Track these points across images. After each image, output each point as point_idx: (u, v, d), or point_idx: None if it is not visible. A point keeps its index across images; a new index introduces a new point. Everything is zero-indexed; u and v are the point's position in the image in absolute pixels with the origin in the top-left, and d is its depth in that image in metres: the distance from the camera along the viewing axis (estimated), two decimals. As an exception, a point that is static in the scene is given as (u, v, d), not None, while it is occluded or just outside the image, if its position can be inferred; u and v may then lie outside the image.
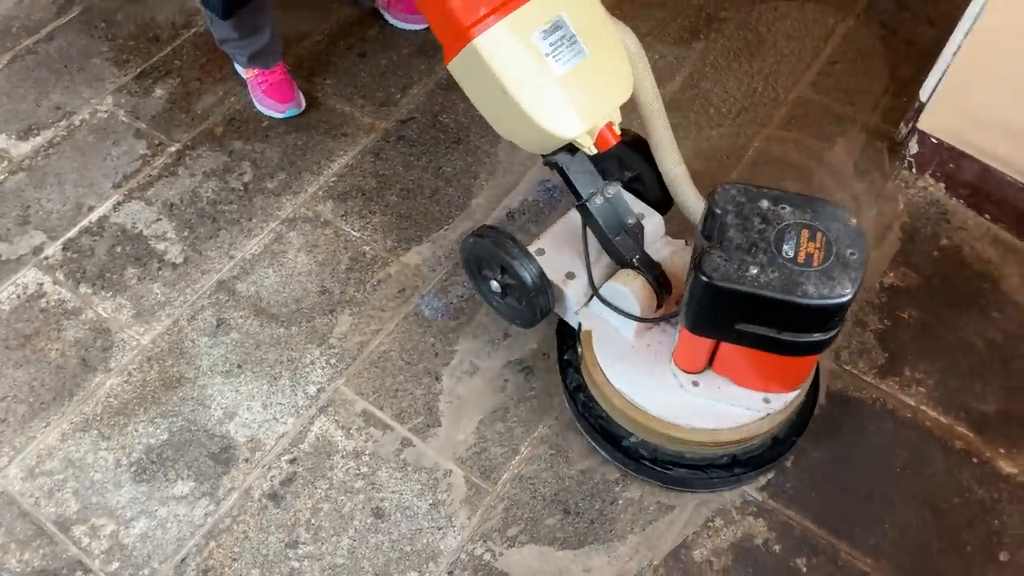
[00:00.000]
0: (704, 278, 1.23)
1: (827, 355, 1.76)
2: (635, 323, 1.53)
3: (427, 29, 2.26)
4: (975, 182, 1.92)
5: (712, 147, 2.09)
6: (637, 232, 1.56)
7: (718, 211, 1.29)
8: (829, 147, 2.09)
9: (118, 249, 1.94)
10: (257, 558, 1.54)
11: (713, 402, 1.48)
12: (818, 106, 2.17)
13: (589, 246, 1.58)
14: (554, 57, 1.35)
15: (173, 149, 2.12)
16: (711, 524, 1.57)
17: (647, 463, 1.54)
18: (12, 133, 2.15)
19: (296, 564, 1.54)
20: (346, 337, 1.81)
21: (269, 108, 2.15)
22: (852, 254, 1.24)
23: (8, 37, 2.34)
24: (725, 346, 1.41)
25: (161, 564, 1.54)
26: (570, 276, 1.61)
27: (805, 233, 1.26)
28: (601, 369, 1.53)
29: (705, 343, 1.42)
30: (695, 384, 1.48)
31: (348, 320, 1.83)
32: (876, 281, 1.87)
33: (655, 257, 1.58)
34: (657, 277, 1.54)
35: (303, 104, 2.16)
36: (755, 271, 1.23)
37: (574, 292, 1.60)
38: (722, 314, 1.29)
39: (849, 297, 1.22)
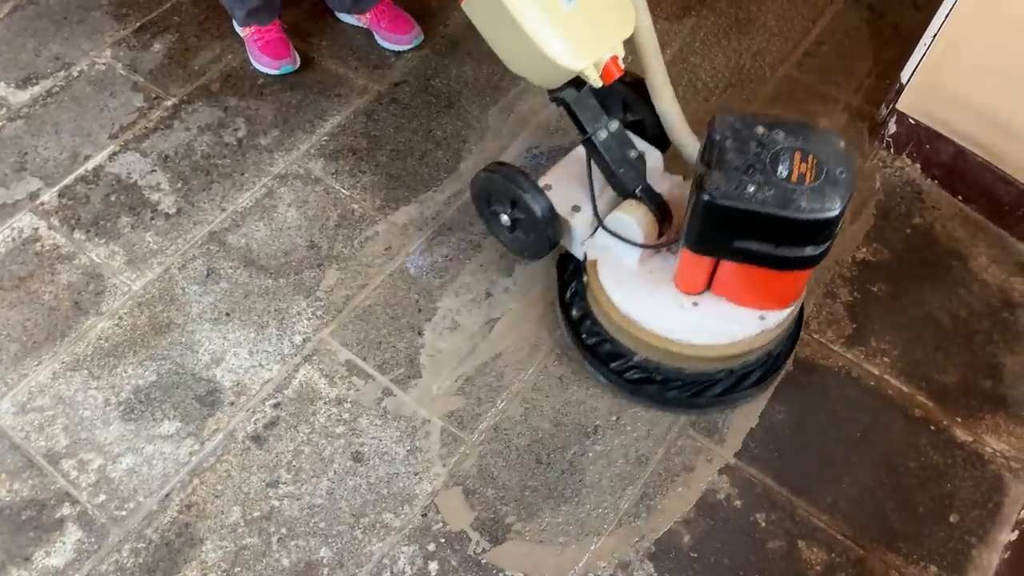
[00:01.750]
0: (706, 197, 1.35)
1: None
2: (638, 251, 1.62)
3: (412, 50, 2.27)
4: (949, 163, 1.98)
5: (699, 120, 2.12)
6: (639, 165, 1.64)
7: (716, 137, 1.39)
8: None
9: (113, 198, 1.99)
10: (239, 496, 1.60)
11: (712, 320, 1.58)
12: (803, 85, 2.22)
13: (593, 181, 1.66)
14: None
15: (169, 103, 2.16)
16: (676, 479, 1.63)
17: (646, 383, 1.66)
18: (11, 82, 2.18)
19: (276, 503, 1.60)
20: (333, 290, 1.86)
21: (264, 65, 2.19)
22: (841, 173, 1.35)
23: (9, -13, 2.37)
24: (722, 268, 1.52)
25: (146, 498, 1.60)
26: (576, 209, 1.70)
27: (797, 155, 1.37)
28: (607, 294, 1.62)
29: (704, 266, 1.53)
30: (695, 304, 1.59)
31: (335, 274, 1.88)
32: (848, 255, 1.92)
33: (656, 190, 1.66)
34: (659, 206, 1.64)
35: (298, 62, 2.20)
36: (752, 189, 1.34)
37: (580, 224, 1.69)
38: (723, 232, 1.41)
39: (838, 211, 1.33)
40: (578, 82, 1.54)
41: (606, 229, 1.64)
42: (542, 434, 1.68)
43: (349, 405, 1.71)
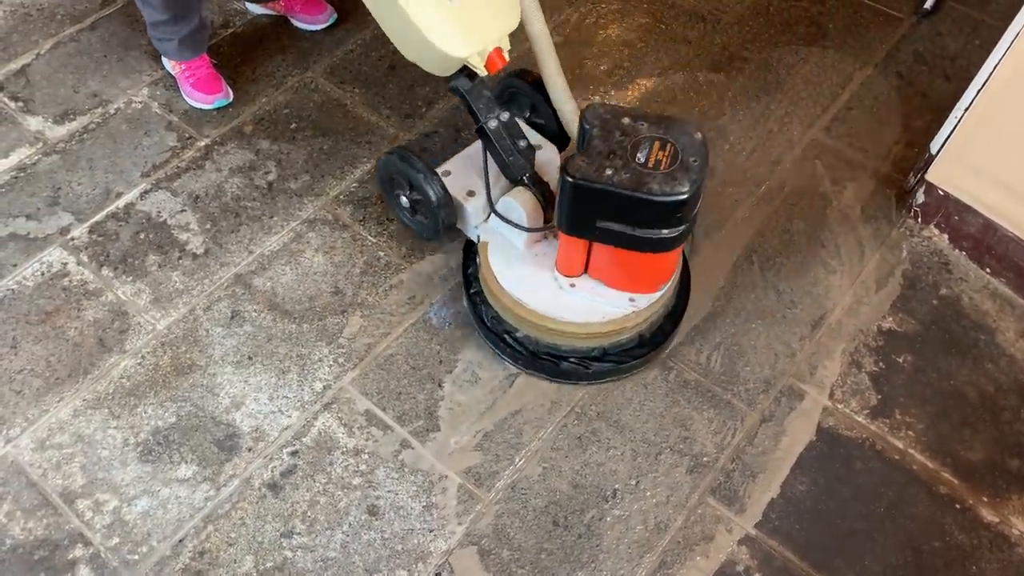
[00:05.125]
0: (568, 178, 1.49)
1: (821, 392, 1.80)
2: (525, 234, 1.76)
3: (326, 29, 2.42)
4: (978, 236, 1.97)
5: (723, 181, 2.15)
6: (528, 154, 1.77)
7: (587, 127, 1.55)
8: (838, 190, 2.14)
9: (142, 236, 2.01)
10: (252, 545, 1.59)
11: (586, 300, 1.72)
12: (830, 149, 2.23)
13: (490, 169, 1.80)
14: None
15: (202, 144, 2.18)
16: (695, 548, 1.61)
17: (530, 356, 1.76)
18: (49, 116, 2.22)
19: (289, 554, 1.58)
20: (355, 338, 1.86)
21: (198, 101, 2.24)
22: (695, 161, 1.49)
23: (52, 23, 2.42)
24: (596, 251, 1.65)
25: (159, 543, 1.59)
26: (471, 194, 1.85)
27: (657, 144, 1.52)
28: (494, 274, 1.77)
29: (580, 249, 1.66)
30: (572, 286, 1.73)
31: (358, 322, 1.88)
32: (874, 324, 1.91)
33: (546, 179, 1.80)
34: (544, 193, 1.77)
35: (231, 96, 2.26)
36: (610, 172, 1.48)
37: (473, 208, 1.84)
38: (586, 213, 1.54)
39: (686, 196, 1.46)
40: (471, 73, 1.68)
41: (496, 213, 1.77)
42: (560, 495, 1.66)
43: (367, 456, 1.70)
